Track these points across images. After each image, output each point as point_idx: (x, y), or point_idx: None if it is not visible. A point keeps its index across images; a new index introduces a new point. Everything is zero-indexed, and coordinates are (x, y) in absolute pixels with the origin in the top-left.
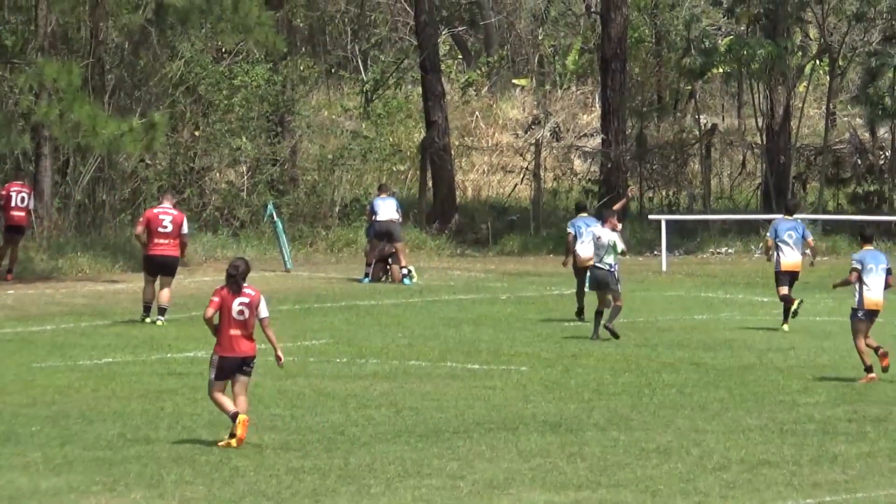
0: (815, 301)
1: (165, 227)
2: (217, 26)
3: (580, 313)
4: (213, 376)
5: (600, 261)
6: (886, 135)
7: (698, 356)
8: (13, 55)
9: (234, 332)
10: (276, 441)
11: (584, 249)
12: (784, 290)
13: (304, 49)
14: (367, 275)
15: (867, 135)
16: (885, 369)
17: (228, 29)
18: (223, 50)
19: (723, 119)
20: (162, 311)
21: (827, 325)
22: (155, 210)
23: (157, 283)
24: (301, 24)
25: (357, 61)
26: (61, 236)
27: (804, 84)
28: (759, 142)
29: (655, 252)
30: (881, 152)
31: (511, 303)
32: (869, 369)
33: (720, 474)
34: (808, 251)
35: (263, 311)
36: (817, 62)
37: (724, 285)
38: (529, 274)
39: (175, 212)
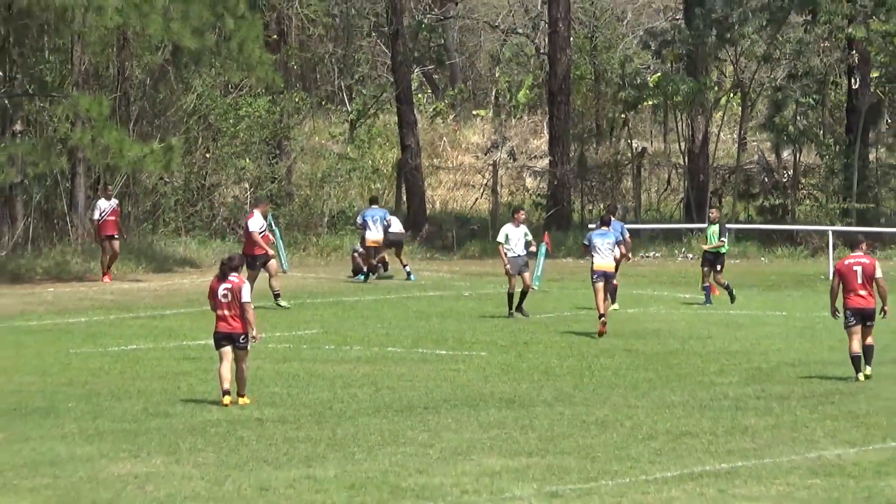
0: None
1: (262, 231)
2: (225, 65)
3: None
4: (215, 347)
5: (513, 250)
6: (789, 157)
7: (630, 343)
8: (52, 89)
9: (221, 311)
10: (274, 415)
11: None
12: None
13: (297, 84)
14: (366, 274)
15: (773, 157)
16: None
17: (234, 68)
18: (230, 85)
19: (651, 143)
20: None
21: (739, 318)
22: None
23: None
24: (295, 64)
25: (342, 95)
26: (93, 242)
27: (720, 113)
28: (682, 162)
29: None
30: (784, 171)
31: (473, 299)
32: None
33: (649, 443)
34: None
35: (245, 297)
36: (731, 95)
37: (651, 283)
38: (488, 274)
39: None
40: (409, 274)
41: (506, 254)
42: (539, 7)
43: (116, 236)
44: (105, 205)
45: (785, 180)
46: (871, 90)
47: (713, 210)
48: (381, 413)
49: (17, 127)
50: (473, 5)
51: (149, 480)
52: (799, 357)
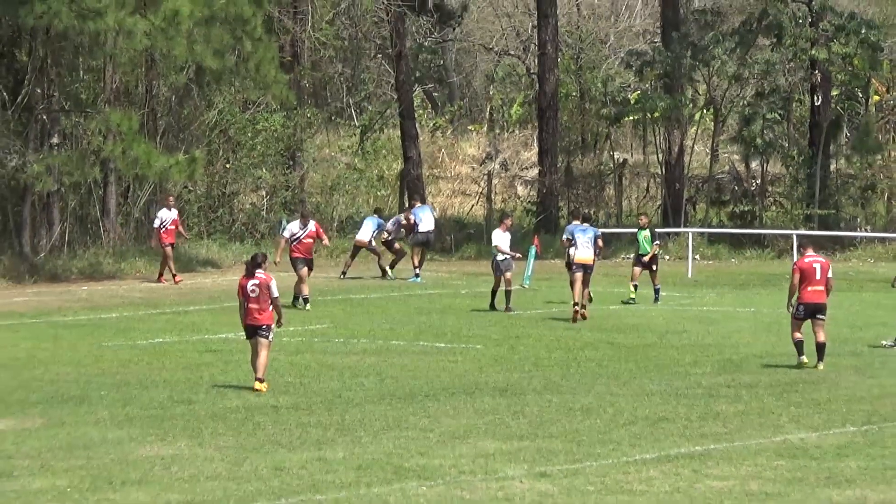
0: (703, 294)
1: (308, 239)
2: (243, 84)
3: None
4: (246, 337)
5: (502, 252)
6: (757, 167)
7: (612, 337)
8: (86, 106)
9: (250, 305)
10: (288, 402)
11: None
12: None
13: (310, 101)
14: (417, 274)
15: (742, 167)
16: None
17: (252, 86)
18: (248, 102)
19: (631, 155)
20: (306, 300)
21: (712, 314)
22: (293, 227)
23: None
24: (307, 83)
25: (351, 111)
26: (123, 245)
27: (694, 128)
28: (660, 172)
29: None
30: (753, 180)
31: (469, 296)
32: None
33: (629, 428)
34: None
35: (274, 292)
36: (704, 111)
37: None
38: (483, 274)
39: (312, 227)
40: (416, 276)
41: (496, 256)
42: (529, 31)
43: (174, 244)
44: (166, 214)
45: (753, 188)
46: (832, 107)
47: (642, 216)
48: (385, 400)
49: (55, 140)
50: (469, 29)
51: (174, 462)
52: (766, 349)
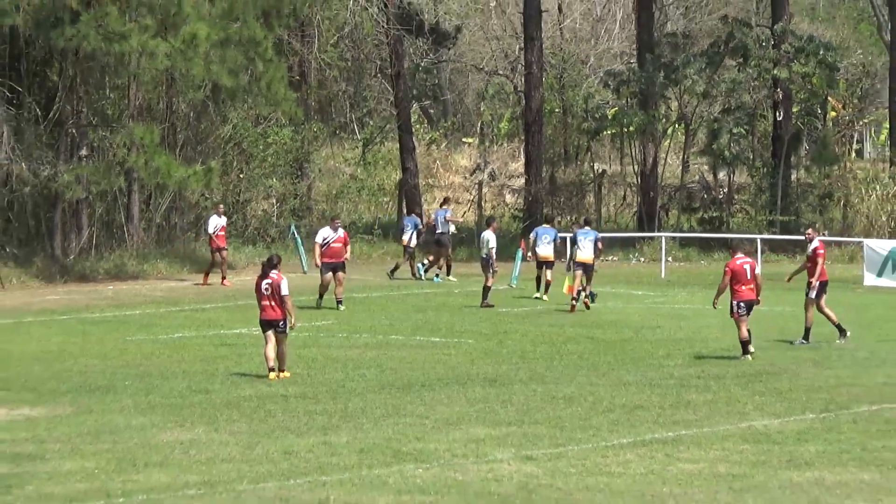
0: (675, 293)
1: (337, 244)
2: (255, 101)
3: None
4: (262, 331)
5: (484, 251)
6: (724, 177)
7: (592, 332)
8: (112, 121)
9: (264, 302)
10: (296, 392)
11: (543, 249)
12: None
13: (316, 117)
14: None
15: (711, 177)
16: None
17: (263, 103)
18: (260, 117)
19: (610, 166)
20: (339, 301)
21: (683, 311)
22: (325, 232)
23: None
24: (314, 100)
25: (353, 125)
26: (146, 247)
27: (667, 141)
28: (636, 182)
29: (562, 259)
30: (720, 189)
31: (461, 295)
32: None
33: (608, 415)
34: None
35: (284, 290)
36: (676, 126)
37: (610, 282)
38: (474, 275)
39: (341, 233)
40: (421, 274)
41: (485, 255)
42: (516, 52)
43: (226, 247)
44: (218, 221)
45: (721, 196)
46: (792, 122)
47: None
48: (385, 390)
49: (83, 152)
50: (462, 51)
51: (192, 446)
52: (733, 343)
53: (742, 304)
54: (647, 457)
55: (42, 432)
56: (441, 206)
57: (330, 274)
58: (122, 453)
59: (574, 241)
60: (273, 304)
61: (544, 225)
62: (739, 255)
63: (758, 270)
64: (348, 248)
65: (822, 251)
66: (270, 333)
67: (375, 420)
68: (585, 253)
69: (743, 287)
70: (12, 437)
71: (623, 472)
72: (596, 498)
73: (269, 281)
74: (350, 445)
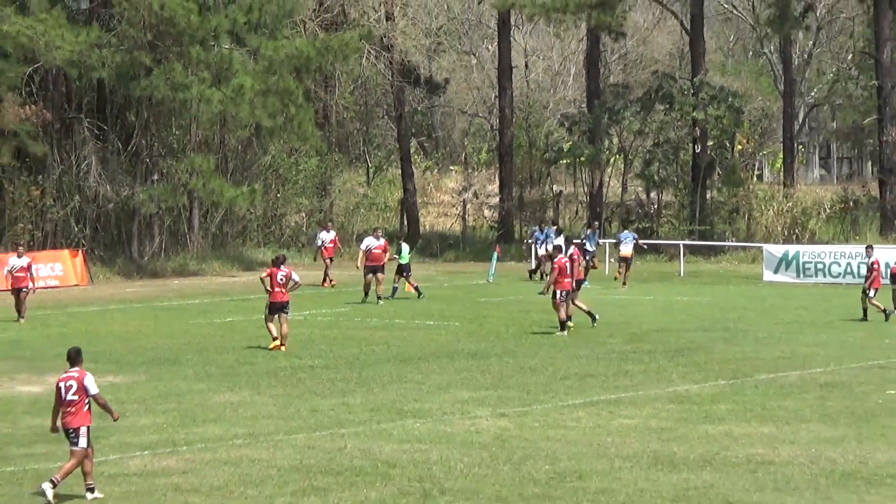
0: (615, 287)
1: (377, 250)
2: (289, 137)
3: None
4: (267, 312)
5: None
6: (654, 196)
7: (552, 318)
8: (178, 152)
9: (277, 289)
10: (321, 363)
11: (623, 248)
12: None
13: (336, 149)
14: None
15: (644, 196)
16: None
17: (295, 139)
18: (292, 150)
19: (565, 187)
20: (378, 297)
21: (623, 301)
22: (369, 240)
23: (374, 278)
24: (334, 136)
25: (365, 156)
26: (203, 251)
27: (610, 168)
28: (585, 200)
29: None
30: (652, 205)
31: (450, 288)
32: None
33: (564, 382)
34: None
35: (295, 278)
36: (617, 156)
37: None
38: (461, 273)
39: (382, 241)
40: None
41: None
42: (493, 99)
43: (332, 258)
44: (325, 235)
45: (652, 211)
46: (708, 153)
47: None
48: (390, 362)
49: (155, 177)
50: (450, 98)
51: (240, 405)
52: (661, 325)
53: (564, 293)
54: (594, 414)
55: (123, 395)
56: (549, 227)
57: (371, 275)
58: (185, 411)
59: (617, 242)
60: (283, 290)
61: (586, 228)
62: (563, 255)
63: (580, 266)
64: (387, 254)
65: (877, 266)
66: (279, 314)
67: (383, 385)
68: (625, 249)
69: (566, 280)
70: None
71: (576, 426)
72: (555, 446)
73: (284, 271)
74: (363, 405)
